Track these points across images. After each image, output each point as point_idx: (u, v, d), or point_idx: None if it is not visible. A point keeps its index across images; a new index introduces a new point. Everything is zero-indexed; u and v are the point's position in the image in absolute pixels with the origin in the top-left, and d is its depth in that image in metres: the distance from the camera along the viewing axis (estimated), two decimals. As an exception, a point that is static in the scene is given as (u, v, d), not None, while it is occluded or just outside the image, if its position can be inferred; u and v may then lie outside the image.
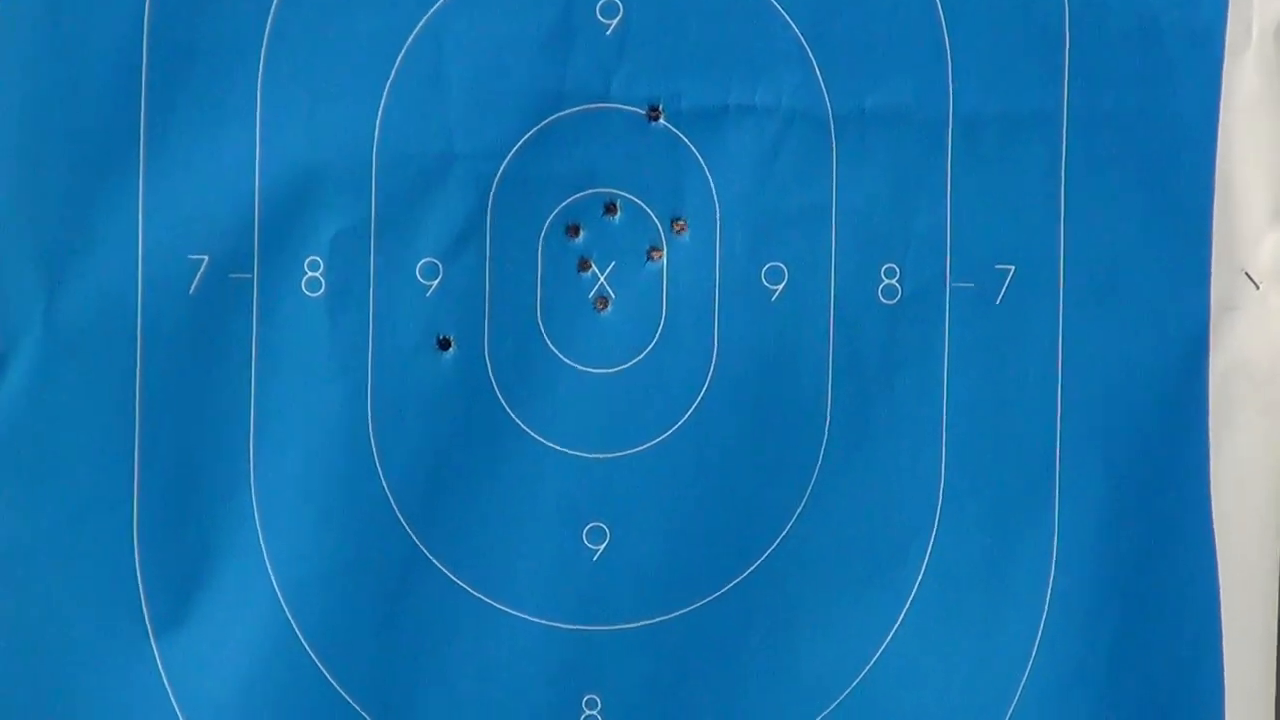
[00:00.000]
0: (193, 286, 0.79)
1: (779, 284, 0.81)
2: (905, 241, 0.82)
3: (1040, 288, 0.82)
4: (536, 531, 0.81)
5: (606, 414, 0.81)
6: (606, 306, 0.81)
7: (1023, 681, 0.82)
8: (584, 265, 0.81)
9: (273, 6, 0.79)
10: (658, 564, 0.81)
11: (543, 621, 0.81)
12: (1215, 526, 0.84)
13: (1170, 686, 0.84)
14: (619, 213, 0.81)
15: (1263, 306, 0.84)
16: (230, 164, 0.78)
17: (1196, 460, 0.83)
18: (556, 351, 0.81)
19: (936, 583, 0.82)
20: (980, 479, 0.82)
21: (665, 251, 0.81)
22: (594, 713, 0.81)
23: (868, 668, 0.82)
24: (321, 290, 0.79)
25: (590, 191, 0.81)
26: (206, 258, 0.79)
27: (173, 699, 0.79)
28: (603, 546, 0.81)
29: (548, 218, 0.81)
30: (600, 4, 0.80)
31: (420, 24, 0.79)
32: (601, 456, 0.81)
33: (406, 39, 0.79)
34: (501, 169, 0.80)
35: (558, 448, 0.81)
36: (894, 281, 0.82)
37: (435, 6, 0.79)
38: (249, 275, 0.79)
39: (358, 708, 0.80)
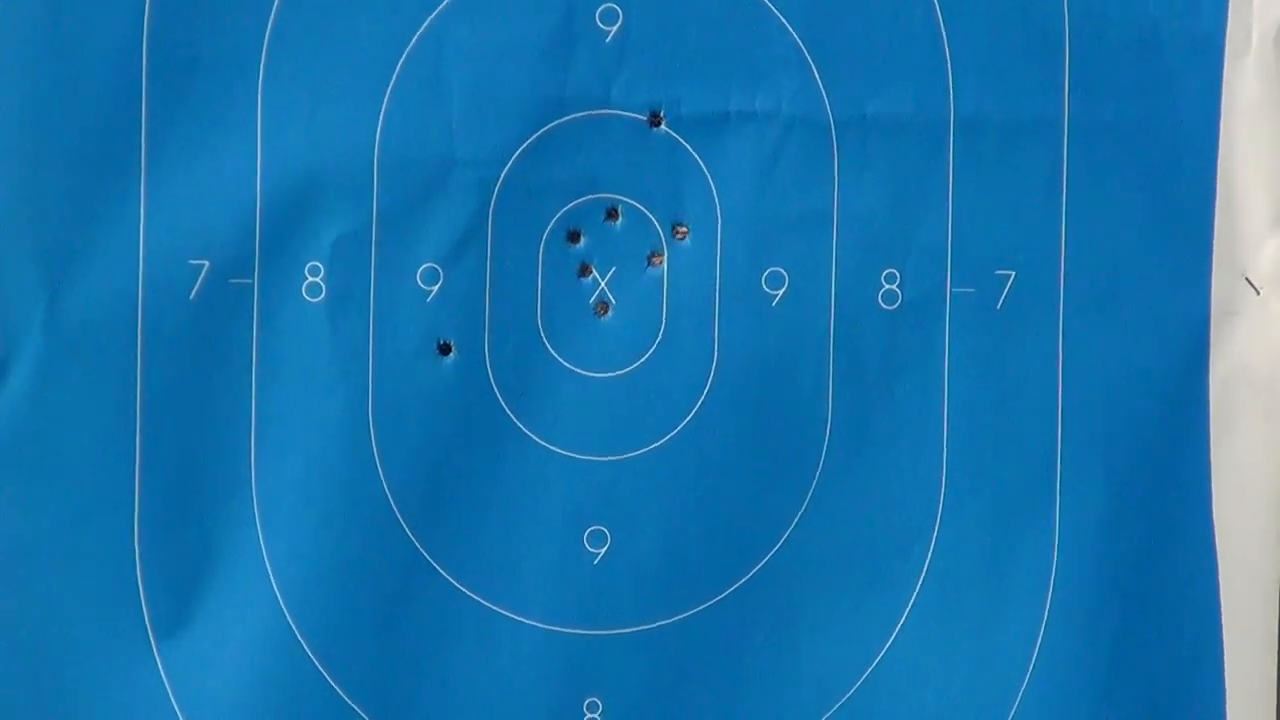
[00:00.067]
0: (193, 291, 0.79)
1: (780, 289, 0.81)
2: (906, 247, 0.82)
3: (1041, 293, 0.82)
4: (537, 535, 0.81)
5: (607, 418, 0.81)
6: (607, 311, 0.81)
7: (1024, 683, 0.83)
8: (585, 270, 0.81)
9: (273, 11, 0.79)
10: (659, 567, 0.81)
11: (544, 625, 0.81)
12: (1216, 530, 0.84)
13: (1171, 689, 0.84)
14: (620, 218, 0.81)
15: (1263, 312, 0.84)
16: (231, 169, 0.78)
17: (1197, 464, 0.83)
18: (557, 356, 0.81)
19: (938, 586, 0.82)
20: (981, 483, 0.82)
21: (666, 257, 0.81)
22: (595, 716, 0.81)
23: (869, 670, 0.82)
24: (322, 295, 0.79)
25: (591, 197, 0.81)
26: (207, 263, 0.79)
27: (173, 701, 0.79)
28: (604, 550, 0.81)
29: (549, 223, 0.81)
30: (600, 10, 0.80)
31: (421, 30, 0.79)
32: (602, 460, 0.81)
33: (407, 44, 0.79)
34: (502, 175, 0.80)
35: (559, 451, 0.81)
36: (894, 287, 0.82)
37: (436, 12, 0.79)
38: (250, 280, 0.79)
39: (358, 710, 0.80)
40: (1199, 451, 0.83)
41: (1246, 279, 0.84)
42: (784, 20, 0.81)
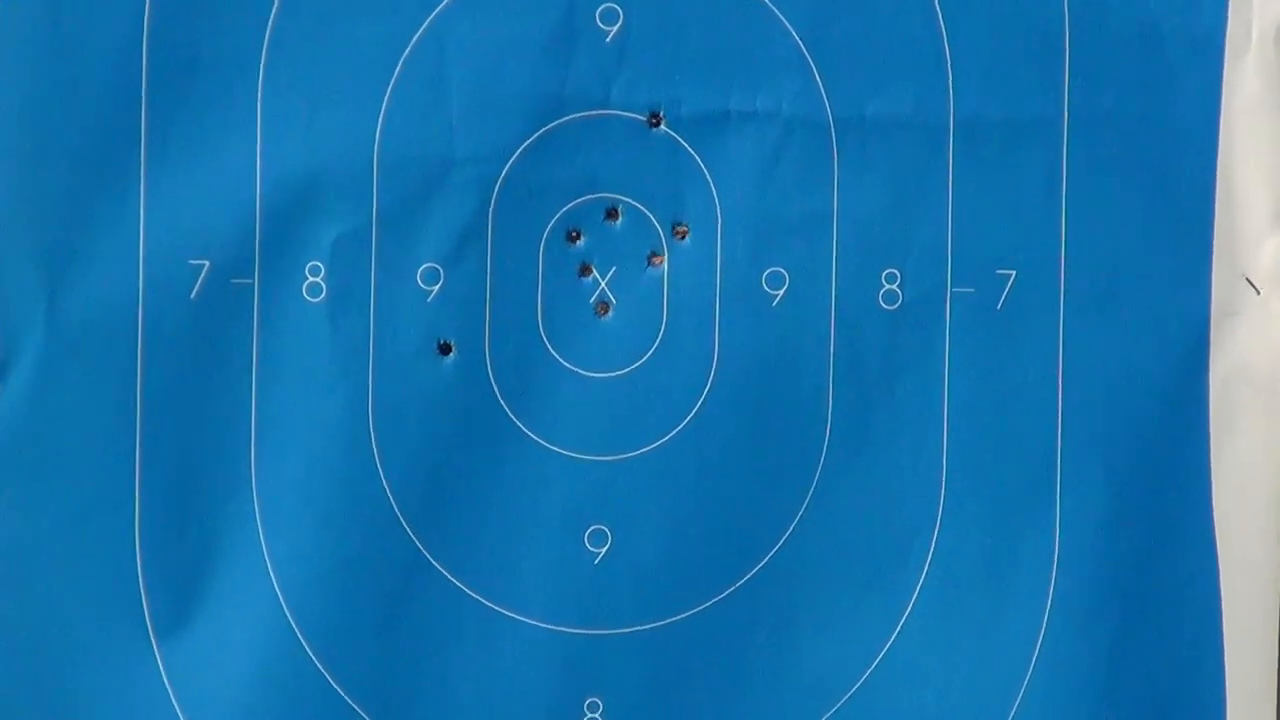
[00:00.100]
0: (194, 291, 0.79)
1: (780, 289, 0.81)
2: (906, 247, 0.82)
3: (1041, 293, 0.82)
4: (538, 535, 0.81)
5: (608, 418, 0.81)
6: (607, 311, 0.81)
7: (1025, 683, 0.82)
8: (585, 270, 0.81)
9: (273, 10, 0.79)
10: (659, 567, 0.81)
11: (544, 625, 0.81)
12: (1216, 529, 0.84)
13: (1172, 688, 0.84)
14: (620, 218, 0.81)
15: (1263, 311, 0.84)
16: (231, 168, 0.78)
17: (1197, 464, 0.83)
18: (557, 356, 0.81)
19: (938, 586, 0.82)
20: (981, 483, 0.82)
21: (666, 257, 0.81)
22: (595, 715, 0.81)
23: (870, 670, 0.82)
24: (322, 295, 0.79)
25: (591, 197, 0.81)
26: (207, 263, 0.79)
27: (174, 701, 0.79)
28: (604, 550, 0.81)
29: (549, 223, 0.81)
30: (600, 10, 0.80)
31: (421, 29, 0.79)
32: (603, 460, 0.81)
33: (407, 44, 0.79)
34: (503, 174, 0.80)
35: (559, 451, 0.81)
36: (895, 287, 0.82)
37: (436, 12, 0.79)
38: (250, 280, 0.79)
39: (359, 710, 0.80)
40: (1199, 451, 0.83)
41: (1247, 279, 0.84)
42: (784, 20, 0.81)
